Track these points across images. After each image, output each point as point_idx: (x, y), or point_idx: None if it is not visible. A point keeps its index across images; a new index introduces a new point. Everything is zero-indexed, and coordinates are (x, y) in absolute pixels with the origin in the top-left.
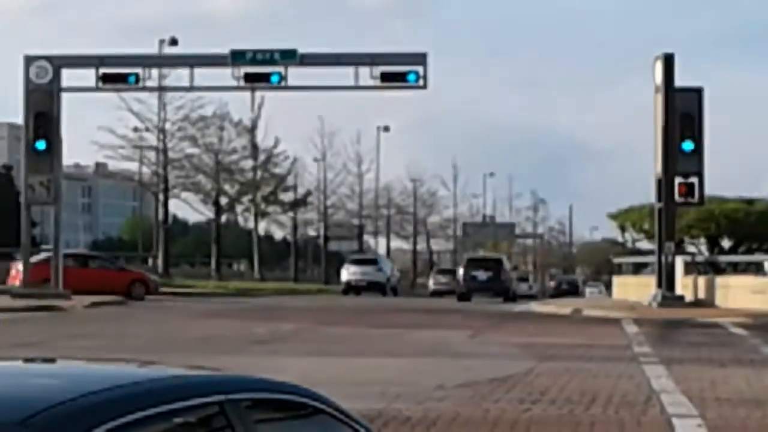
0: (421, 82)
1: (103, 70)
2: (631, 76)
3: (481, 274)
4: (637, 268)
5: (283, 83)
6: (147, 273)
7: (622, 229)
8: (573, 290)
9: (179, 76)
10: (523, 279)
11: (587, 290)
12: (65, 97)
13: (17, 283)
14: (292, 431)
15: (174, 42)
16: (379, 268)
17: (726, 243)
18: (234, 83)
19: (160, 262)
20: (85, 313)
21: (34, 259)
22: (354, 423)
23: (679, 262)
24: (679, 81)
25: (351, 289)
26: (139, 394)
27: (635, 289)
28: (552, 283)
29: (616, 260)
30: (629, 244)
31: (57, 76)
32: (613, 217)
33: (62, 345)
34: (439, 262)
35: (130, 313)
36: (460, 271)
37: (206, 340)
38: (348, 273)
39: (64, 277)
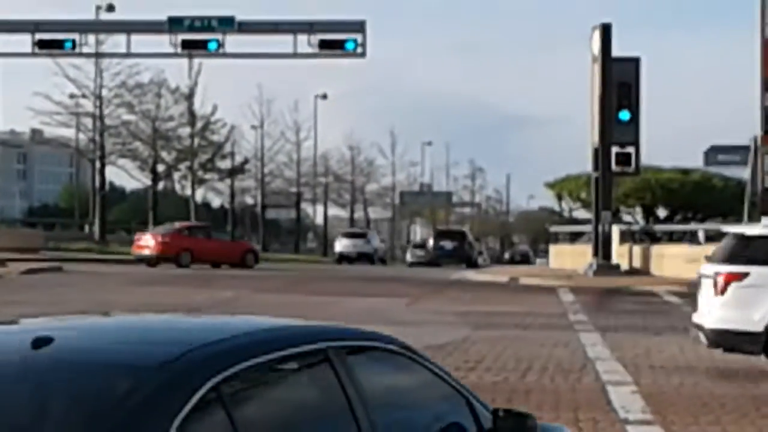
0: (359, 50)
1: (38, 36)
2: (569, 45)
3: (448, 244)
4: (574, 237)
5: (220, 50)
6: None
7: (559, 198)
8: (525, 260)
9: (116, 42)
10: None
11: (537, 260)
12: (0, 62)
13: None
14: (383, 374)
15: (111, 8)
16: (368, 241)
17: (662, 212)
18: (171, 50)
19: (96, 229)
20: (19, 280)
21: (161, 229)
22: (434, 366)
23: (616, 231)
24: (617, 51)
25: (343, 258)
26: (255, 341)
27: (572, 258)
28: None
29: (553, 229)
30: (566, 213)
31: None
32: (550, 186)
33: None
34: (376, 230)
35: (64, 281)
36: (430, 242)
37: (147, 306)
38: (341, 245)
39: (193, 248)
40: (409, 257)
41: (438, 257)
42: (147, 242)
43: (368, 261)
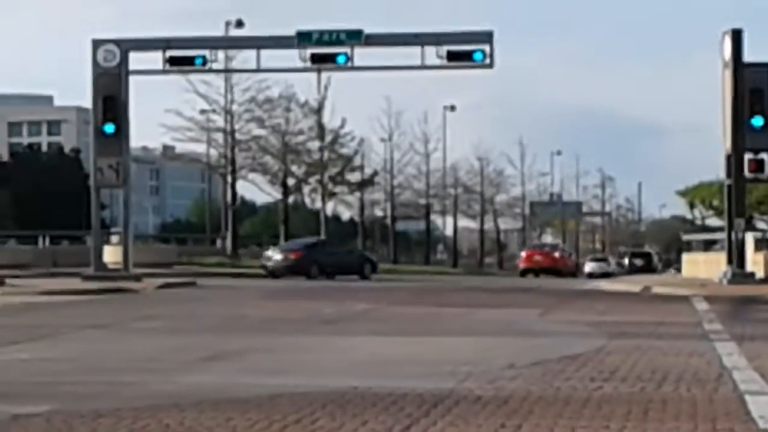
0: (487, 61)
1: (169, 53)
2: (699, 51)
3: (638, 261)
4: (707, 245)
5: (349, 64)
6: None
7: (692, 206)
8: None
9: (246, 57)
10: (602, 260)
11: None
12: (133, 80)
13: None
14: None
15: (240, 24)
16: (608, 264)
17: None
18: (300, 64)
19: (228, 243)
20: (154, 295)
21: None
22: None
23: (750, 238)
24: (748, 56)
25: (592, 276)
26: None
27: (705, 267)
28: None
29: (686, 237)
30: (698, 221)
31: (124, 59)
32: (681, 194)
33: (136, 326)
34: (506, 242)
35: (198, 295)
36: (626, 260)
37: (275, 320)
38: (588, 267)
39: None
40: (587, 269)
41: (630, 272)
42: (276, 256)
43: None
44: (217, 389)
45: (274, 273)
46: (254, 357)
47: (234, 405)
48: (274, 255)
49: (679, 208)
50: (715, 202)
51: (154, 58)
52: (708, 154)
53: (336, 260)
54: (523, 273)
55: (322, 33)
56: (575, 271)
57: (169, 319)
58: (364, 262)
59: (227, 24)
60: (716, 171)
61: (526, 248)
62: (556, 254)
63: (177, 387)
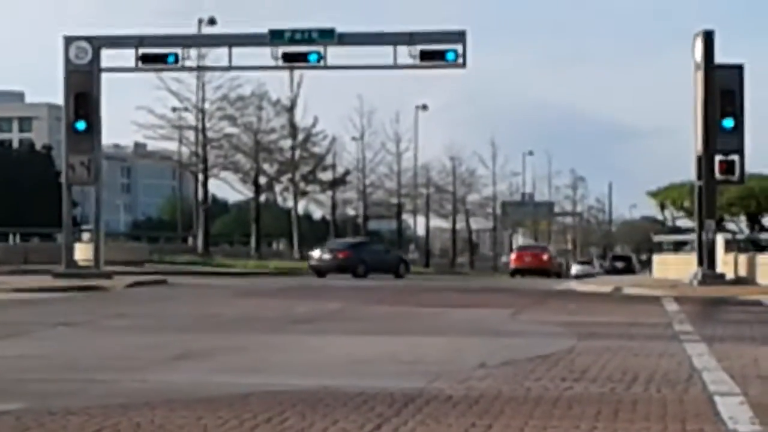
0: (459, 60)
1: (142, 51)
2: (671, 53)
3: (619, 263)
4: (678, 247)
5: (321, 62)
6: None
7: (662, 207)
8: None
9: (218, 55)
10: (587, 262)
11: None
12: (105, 77)
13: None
14: None
15: (212, 22)
16: (593, 266)
17: (767, 221)
18: (273, 63)
19: (199, 241)
20: (125, 293)
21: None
22: None
23: (720, 239)
24: (720, 58)
25: (578, 278)
26: None
27: (675, 268)
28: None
29: (656, 238)
30: (669, 222)
31: (96, 56)
32: (652, 195)
33: (107, 324)
34: (478, 241)
35: (169, 294)
36: (607, 262)
37: (248, 318)
38: (575, 269)
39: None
40: (573, 270)
41: (610, 272)
42: (325, 255)
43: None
44: (188, 388)
45: (320, 271)
46: (225, 356)
47: (205, 404)
48: (323, 254)
49: (650, 208)
50: (686, 204)
51: (127, 56)
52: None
53: (377, 259)
54: (513, 273)
55: (294, 32)
56: (560, 272)
57: (140, 318)
58: (400, 263)
59: (200, 21)
60: (687, 172)
61: (516, 249)
62: (545, 256)
63: (147, 385)
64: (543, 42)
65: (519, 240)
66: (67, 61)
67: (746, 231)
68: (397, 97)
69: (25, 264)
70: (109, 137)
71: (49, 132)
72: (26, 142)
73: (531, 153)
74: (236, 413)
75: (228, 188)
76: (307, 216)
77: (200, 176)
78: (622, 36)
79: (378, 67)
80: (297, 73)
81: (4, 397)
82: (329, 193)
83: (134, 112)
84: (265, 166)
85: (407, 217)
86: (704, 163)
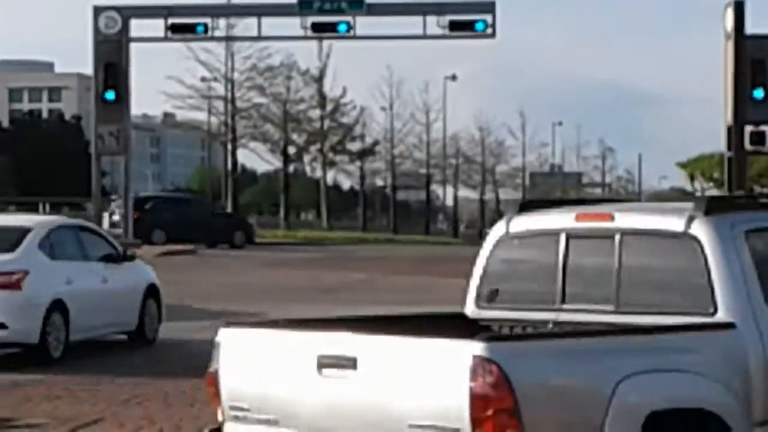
0: (489, 31)
1: (171, 20)
2: (701, 23)
3: None
4: None
5: (350, 33)
6: None
7: (692, 178)
8: None
9: (247, 25)
10: None
11: None
12: (134, 47)
13: None
14: None
15: None
16: None
17: None
18: (302, 33)
19: (229, 211)
20: (155, 262)
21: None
22: None
23: None
24: (750, 28)
25: None
26: None
27: None
28: None
29: None
30: (698, 193)
31: (126, 26)
32: (682, 165)
33: None
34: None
35: (200, 263)
36: None
37: (276, 288)
38: None
39: None
40: None
41: None
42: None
43: None
44: None
45: None
46: None
47: None
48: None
49: (680, 179)
50: (716, 175)
51: (156, 26)
52: (709, 126)
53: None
54: None
55: (323, 1)
56: None
57: (170, 286)
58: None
59: None
60: (717, 143)
61: None
62: None
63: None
64: (574, 13)
65: None
66: (97, 31)
67: None
68: (426, 67)
69: None
70: (138, 107)
71: (79, 102)
72: (56, 113)
73: (560, 123)
74: None
75: (257, 158)
76: (336, 186)
77: (229, 146)
78: (652, 6)
79: (407, 38)
80: (326, 43)
81: None
82: (358, 163)
83: (163, 82)
84: (294, 136)
85: (436, 188)
86: (734, 133)
